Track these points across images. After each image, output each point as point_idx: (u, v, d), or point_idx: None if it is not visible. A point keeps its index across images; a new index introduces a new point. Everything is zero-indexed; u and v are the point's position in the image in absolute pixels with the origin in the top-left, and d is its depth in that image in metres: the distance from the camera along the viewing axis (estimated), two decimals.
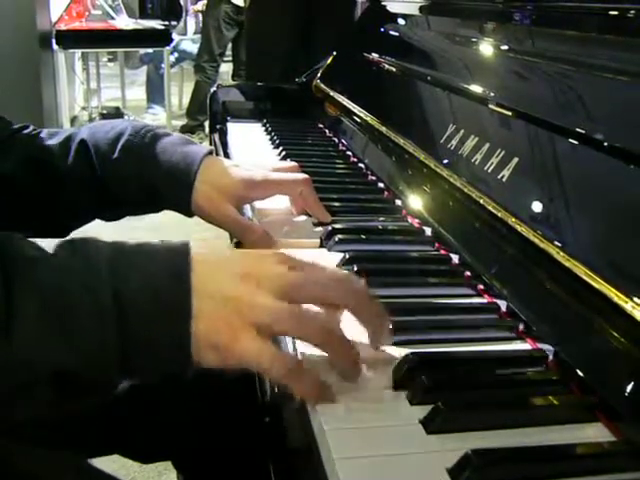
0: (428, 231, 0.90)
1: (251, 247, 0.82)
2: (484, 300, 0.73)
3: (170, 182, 0.85)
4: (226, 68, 6.20)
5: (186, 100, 5.95)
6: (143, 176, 0.86)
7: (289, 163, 0.96)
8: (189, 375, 0.53)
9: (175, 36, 5.80)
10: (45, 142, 0.89)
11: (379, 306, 0.60)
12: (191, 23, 6.84)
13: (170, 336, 0.52)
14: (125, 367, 0.52)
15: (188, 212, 0.87)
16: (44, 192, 0.89)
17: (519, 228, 0.72)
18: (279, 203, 0.94)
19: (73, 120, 5.45)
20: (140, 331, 0.51)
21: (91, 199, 0.90)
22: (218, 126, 1.56)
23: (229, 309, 0.53)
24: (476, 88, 0.98)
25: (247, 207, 0.96)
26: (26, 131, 0.92)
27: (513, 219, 0.73)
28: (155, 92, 6.33)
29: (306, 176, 0.90)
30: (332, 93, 1.51)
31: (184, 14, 6.77)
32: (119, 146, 0.87)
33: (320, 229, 0.89)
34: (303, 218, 0.93)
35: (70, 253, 0.53)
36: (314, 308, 0.56)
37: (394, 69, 1.32)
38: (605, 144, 0.68)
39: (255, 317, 0.53)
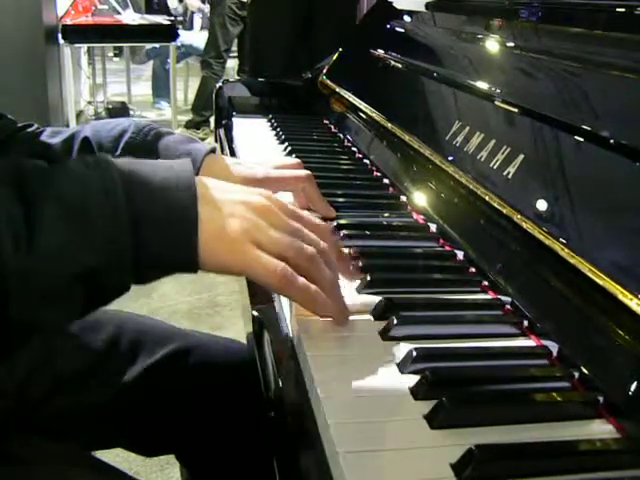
0: (433, 227, 0.90)
1: None
2: (488, 296, 0.73)
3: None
4: (232, 64, 6.20)
5: (192, 95, 5.95)
6: None
7: (292, 160, 0.96)
8: (195, 272, 0.58)
9: (181, 31, 5.80)
10: (48, 140, 0.90)
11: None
12: (197, 19, 6.83)
13: (177, 236, 0.56)
14: (138, 265, 0.55)
15: None
16: None
17: (524, 225, 0.72)
18: (282, 200, 0.94)
19: (79, 115, 5.46)
20: (151, 229, 0.55)
21: None
22: (224, 121, 1.56)
23: (234, 221, 0.59)
24: (482, 85, 0.98)
25: None
26: (30, 129, 0.93)
27: (518, 216, 0.73)
28: (161, 87, 6.33)
29: (308, 172, 0.90)
30: (338, 89, 1.51)
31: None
32: (122, 144, 0.87)
33: None
34: (306, 214, 0.93)
35: (84, 164, 0.56)
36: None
37: (400, 66, 1.32)
38: (611, 141, 0.68)
39: (259, 235, 0.59)
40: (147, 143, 0.87)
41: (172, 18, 5.89)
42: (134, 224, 0.54)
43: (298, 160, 0.96)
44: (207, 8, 6.40)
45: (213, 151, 0.88)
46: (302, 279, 0.60)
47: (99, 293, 0.55)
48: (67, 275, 0.51)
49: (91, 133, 0.89)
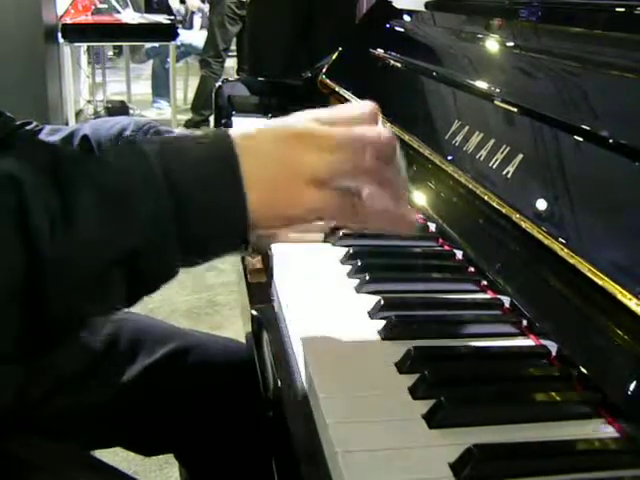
0: (432, 227, 0.90)
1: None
2: (488, 296, 0.73)
3: None
4: (232, 63, 6.20)
5: (191, 95, 5.95)
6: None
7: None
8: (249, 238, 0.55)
9: (181, 31, 5.80)
10: (47, 138, 0.89)
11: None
12: (197, 18, 6.83)
13: (225, 201, 0.53)
14: (184, 241, 0.52)
15: None
16: None
17: (523, 224, 0.72)
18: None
19: (78, 114, 5.46)
20: (194, 201, 0.52)
21: None
22: (223, 120, 1.56)
23: (282, 168, 0.55)
24: (481, 84, 0.97)
25: None
26: (29, 127, 0.92)
27: (517, 215, 0.73)
28: (160, 86, 6.33)
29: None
30: (337, 88, 1.50)
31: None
32: (121, 142, 0.86)
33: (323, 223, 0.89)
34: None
35: (118, 150, 0.55)
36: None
37: (400, 65, 1.32)
38: (610, 141, 0.68)
39: (311, 171, 0.55)
40: (147, 141, 0.87)
41: (172, 17, 5.88)
42: (177, 204, 0.51)
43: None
44: (207, 8, 6.40)
45: None
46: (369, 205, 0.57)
47: (142, 278, 0.53)
48: (106, 261, 0.50)
49: (90, 131, 0.88)
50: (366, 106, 0.61)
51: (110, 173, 0.52)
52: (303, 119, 0.59)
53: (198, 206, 0.52)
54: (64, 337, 0.53)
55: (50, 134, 0.90)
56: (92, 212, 0.49)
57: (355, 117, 0.60)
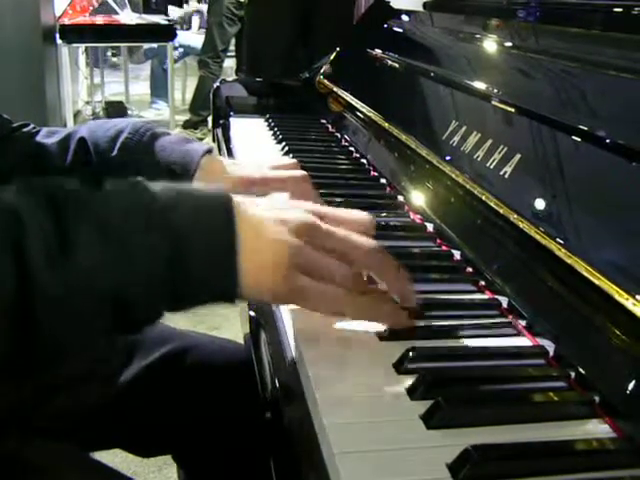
0: (430, 227, 0.90)
1: None
2: (485, 296, 0.73)
3: (168, 180, 0.85)
4: (230, 63, 6.19)
5: (189, 95, 5.94)
6: (141, 174, 0.86)
7: (288, 160, 0.96)
8: (234, 302, 0.57)
9: (179, 31, 5.80)
10: (44, 140, 0.89)
11: (400, 271, 0.64)
12: (195, 18, 6.83)
13: (218, 269, 0.54)
14: (175, 294, 0.54)
15: None
16: None
17: (521, 225, 0.72)
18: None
19: (76, 115, 5.45)
20: (190, 263, 0.53)
21: None
22: (221, 121, 1.56)
23: (277, 248, 0.57)
24: (479, 85, 0.98)
25: None
26: (26, 129, 0.92)
27: (515, 215, 0.73)
28: (159, 87, 6.32)
29: (304, 173, 0.90)
30: (335, 89, 1.51)
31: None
32: (118, 144, 0.86)
33: None
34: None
35: (120, 188, 0.55)
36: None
37: (398, 65, 1.32)
38: (607, 141, 0.68)
39: (299, 258, 0.57)
40: (143, 143, 0.86)
41: (170, 18, 5.89)
42: (173, 257, 0.52)
43: (294, 160, 0.96)
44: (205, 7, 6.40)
45: (210, 151, 0.88)
46: (353, 297, 0.60)
47: (129, 319, 0.53)
48: (97, 300, 0.51)
49: (87, 133, 0.88)
50: (366, 217, 0.65)
51: (112, 211, 0.52)
52: (304, 209, 0.61)
53: (195, 259, 0.53)
54: (48, 364, 0.53)
55: (47, 136, 0.90)
56: (90, 249, 0.50)
57: (353, 222, 0.64)
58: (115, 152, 0.86)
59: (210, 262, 0.54)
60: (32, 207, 0.50)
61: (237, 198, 0.58)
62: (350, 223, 0.63)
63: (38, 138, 0.89)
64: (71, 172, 0.87)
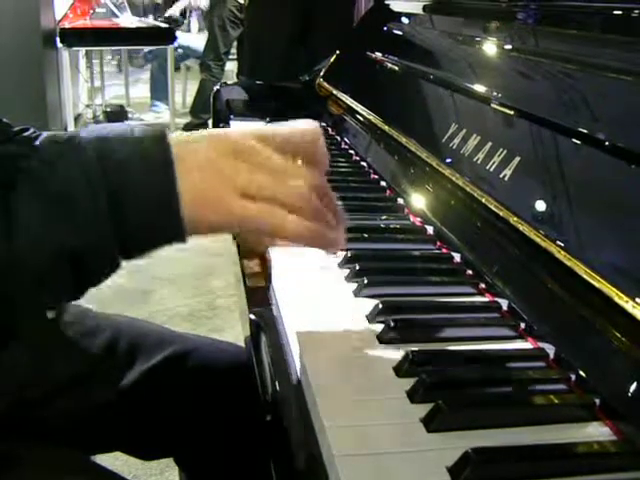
0: (430, 230, 0.90)
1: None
2: (485, 299, 0.73)
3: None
4: (231, 66, 6.20)
5: (190, 98, 5.95)
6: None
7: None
8: (185, 241, 0.56)
9: (179, 33, 5.80)
10: None
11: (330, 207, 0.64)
12: (194, 21, 6.82)
13: (157, 193, 0.54)
14: (122, 237, 0.54)
15: None
16: None
17: (521, 227, 0.72)
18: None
19: (77, 118, 5.45)
20: (131, 206, 0.54)
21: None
22: (221, 124, 1.56)
23: (214, 175, 0.56)
24: (479, 87, 0.98)
25: None
26: (26, 134, 0.92)
27: (515, 218, 0.73)
28: (159, 90, 6.32)
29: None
30: (335, 92, 1.51)
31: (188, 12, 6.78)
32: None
33: None
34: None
35: (57, 147, 0.56)
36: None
37: (397, 68, 1.32)
38: (607, 144, 0.68)
39: (242, 185, 0.56)
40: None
41: (170, 20, 5.89)
42: (114, 204, 0.53)
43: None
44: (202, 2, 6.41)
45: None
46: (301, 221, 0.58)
47: (88, 273, 0.54)
48: (51, 258, 0.52)
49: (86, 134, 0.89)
50: (309, 124, 0.63)
51: (51, 175, 0.53)
52: (245, 134, 0.60)
53: (133, 204, 0.54)
54: (18, 327, 0.55)
55: None
56: (34, 215, 0.51)
57: (296, 134, 0.62)
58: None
59: (148, 207, 0.54)
60: None
61: (176, 136, 0.57)
62: (295, 137, 0.62)
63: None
64: None
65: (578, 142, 0.72)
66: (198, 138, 0.59)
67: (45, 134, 0.58)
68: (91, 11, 5.51)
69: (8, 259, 0.50)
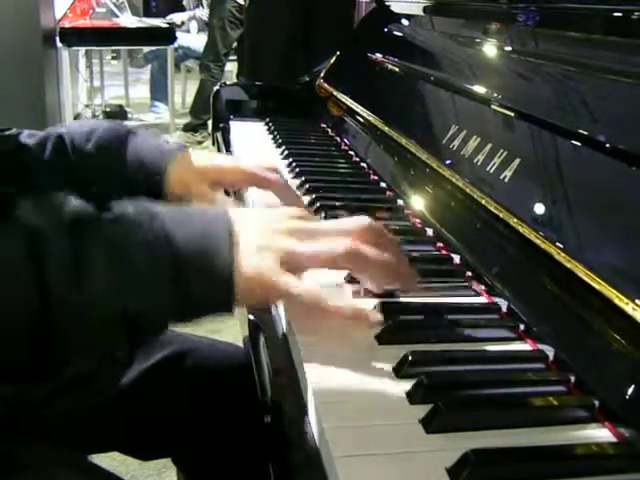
0: (430, 231, 0.90)
1: None
2: (485, 300, 0.73)
3: (144, 169, 0.87)
4: (231, 67, 6.19)
5: (189, 98, 5.94)
6: (116, 167, 0.88)
7: (269, 165, 0.96)
8: (232, 312, 0.60)
9: (179, 34, 5.79)
10: (24, 139, 0.91)
11: (397, 259, 0.66)
12: (193, 22, 6.81)
13: (216, 285, 0.58)
14: (179, 313, 0.59)
15: (163, 198, 0.88)
16: (22, 180, 0.89)
17: (520, 229, 0.72)
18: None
19: (76, 118, 5.45)
20: (193, 280, 0.57)
21: (65, 190, 0.91)
22: (221, 125, 1.56)
23: (267, 255, 0.60)
24: (479, 89, 0.98)
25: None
26: (7, 132, 0.94)
27: (514, 220, 0.73)
28: (159, 90, 6.32)
29: (278, 176, 0.90)
30: (335, 93, 1.51)
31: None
32: (93, 138, 0.88)
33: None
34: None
35: (132, 214, 0.58)
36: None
37: (397, 69, 1.32)
38: (607, 146, 0.68)
39: (290, 262, 0.61)
40: (118, 138, 0.89)
41: (170, 21, 5.89)
42: (177, 276, 0.56)
43: (275, 165, 0.95)
44: (200, 11, 6.41)
45: (182, 148, 0.90)
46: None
47: (138, 336, 0.58)
48: (112, 317, 0.54)
49: (65, 130, 0.90)
50: (361, 220, 0.66)
51: (122, 235, 0.56)
52: (290, 212, 0.66)
53: (195, 275, 0.57)
54: (58, 372, 0.57)
55: (28, 137, 0.91)
56: (102, 272, 0.54)
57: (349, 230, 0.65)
58: (90, 146, 0.88)
59: (210, 285, 0.58)
60: (54, 229, 0.54)
61: (234, 216, 0.61)
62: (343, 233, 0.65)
63: (20, 138, 0.91)
64: (49, 166, 0.88)
65: (578, 144, 0.72)
66: (254, 215, 0.65)
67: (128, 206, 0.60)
68: (91, 11, 5.50)
69: (70, 310, 0.52)
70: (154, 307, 0.56)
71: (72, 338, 0.54)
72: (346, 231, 0.63)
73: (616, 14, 0.81)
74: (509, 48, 1.00)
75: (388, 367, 0.59)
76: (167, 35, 5.28)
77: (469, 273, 0.78)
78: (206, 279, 0.57)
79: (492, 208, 0.78)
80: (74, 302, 0.52)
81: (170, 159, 0.87)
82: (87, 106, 6.14)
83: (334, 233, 0.63)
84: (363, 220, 0.65)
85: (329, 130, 1.49)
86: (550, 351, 0.62)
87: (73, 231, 0.54)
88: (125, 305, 0.54)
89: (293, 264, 0.61)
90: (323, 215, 0.93)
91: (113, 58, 8.37)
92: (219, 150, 1.43)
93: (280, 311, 0.72)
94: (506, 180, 0.78)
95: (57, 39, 4.67)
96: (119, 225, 0.57)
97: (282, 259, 0.60)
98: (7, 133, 0.93)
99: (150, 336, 0.61)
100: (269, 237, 0.62)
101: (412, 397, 0.55)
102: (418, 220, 0.94)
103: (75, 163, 0.88)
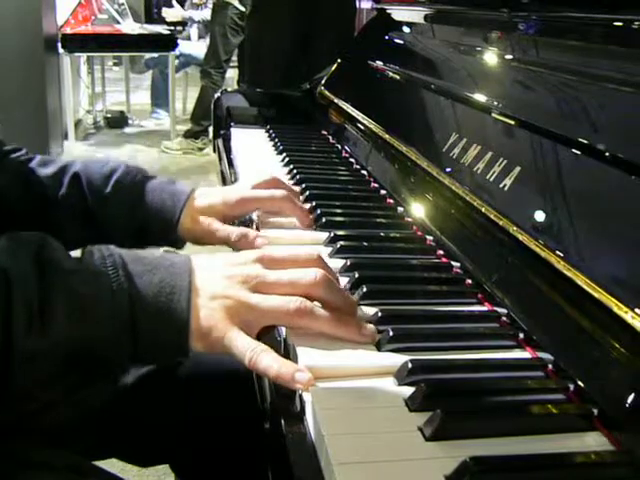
0: (430, 239, 0.90)
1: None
2: (485, 308, 0.73)
3: (158, 216, 0.91)
4: (232, 74, 6.20)
5: (190, 105, 5.95)
6: (134, 212, 0.91)
7: (269, 178, 0.97)
8: (187, 356, 0.63)
9: (180, 41, 5.81)
10: (37, 169, 0.94)
11: (348, 299, 0.68)
12: (194, 28, 6.83)
13: (172, 326, 0.61)
14: (135, 357, 0.61)
15: (176, 244, 0.92)
16: (35, 211, 0.91)
17: (520, 237, 0.72)
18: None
19: (77, 123, 5.46)
20: (148, 330, 0.60)
21: (79, 229, 0.93)
22: (222, 131, 1.56)
23: (220, 307, 0.62)
24: (479, 97, 0.98)
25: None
26: (18, 153, 0.95)
27: (514, 228, 0.73)
28: (159, 97, 6.34)
29: (283, 192, 0.93)
30: (336, 100, 1.51)
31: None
32: (112, 182, 0.92)
33: (319, 235, 0.90)
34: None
35: (97, 263, 0.62)
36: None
37: (398, 77, 1.32)
38: (607, 154, 0.68)
39: (242, 315, 0.63)
40: (136, 183, 0.92)
41: (171, 28, 5.90)
42: (134, 325, 0.59)
43: (276, 177, 0.97)
44: (201, 13, 6.43)
45: (193, 191, 0.93)
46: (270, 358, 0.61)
47: (94, 378, 0.62)
48: (69, 361, 0.57)
49: (81, 169, 0.92)
50: (312, 254, 0.69)
51: (83, 284, 0.59)
52: (249, 257, 0.67)
53: (149, 329, 0.60)
54: (15, 409, 0.61)
55: (41, 165, 0.93)
56: (63, 323, 0.57)
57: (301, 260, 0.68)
58: (109, 189, 0.91)
59: (166, 332, 0.61)
60: (21, 273, 0.57)
61: (195, 264, 0.65)
62: (298, 262, 0.68)
63: (31, 165, 0.93)
64: (65, 203, 0.92)
65: (578, 152, 0.72)
66: (215, 263, 0.66)
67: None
68: (93, 17, 5.53)
69: (28, 352, 0.55)
70: (112, 354, 0.60)
71: (28, 380, 0.57)
72: (301, 285, 0.65)
73: (617, 23, 0.82)
74: (509, 56, 1.00)
75: (388, 375, 0.59)
76: (168, 42, 5.31)
77: (469, 281, 0.78)
78: (160, 333, 0.61)
79: (492, 216, 0.78)
80: (33, 349, 0.55)
81: (182, 203, 0.90)
82: (88, 112, 6.16)
83: (289, 287, 0.64)
84: (315, 273, 0.65)
85: (330, 137, 1.49)
86: (549, 359, 0.62)
87: (40, 276, 0.58)
88: (83, 353, 0.58)
89: (244, 316, 0.63)
90: (324, 221, 0.93)
91: (114, 64, 8.40)
92: (220, 157, 1.43)
93: None
94: (506, 188, 0.78)
95: (59, 45, 4.69)
96: (83, 274, 0.60)
97: (235, 309, 0.62)
98: (17, 155, 0.94)
99: (106, 380, 0.65)
100: (226, 287, 0.64)
101: (411, 405, 0.55)
102: (418, 228, 0.94)
103: (92, 205, 0.92)
